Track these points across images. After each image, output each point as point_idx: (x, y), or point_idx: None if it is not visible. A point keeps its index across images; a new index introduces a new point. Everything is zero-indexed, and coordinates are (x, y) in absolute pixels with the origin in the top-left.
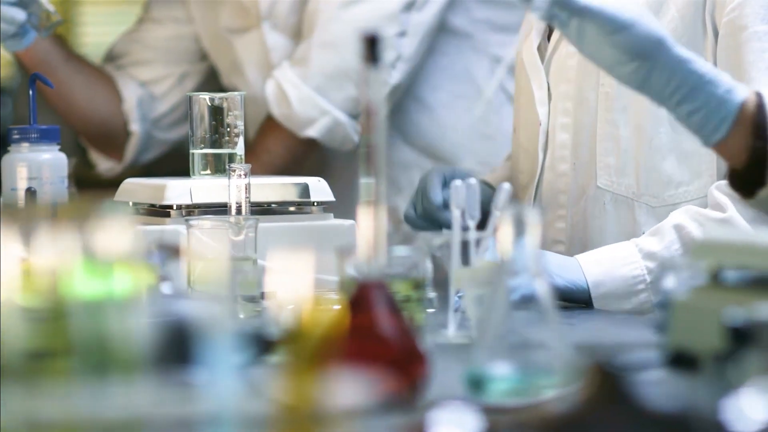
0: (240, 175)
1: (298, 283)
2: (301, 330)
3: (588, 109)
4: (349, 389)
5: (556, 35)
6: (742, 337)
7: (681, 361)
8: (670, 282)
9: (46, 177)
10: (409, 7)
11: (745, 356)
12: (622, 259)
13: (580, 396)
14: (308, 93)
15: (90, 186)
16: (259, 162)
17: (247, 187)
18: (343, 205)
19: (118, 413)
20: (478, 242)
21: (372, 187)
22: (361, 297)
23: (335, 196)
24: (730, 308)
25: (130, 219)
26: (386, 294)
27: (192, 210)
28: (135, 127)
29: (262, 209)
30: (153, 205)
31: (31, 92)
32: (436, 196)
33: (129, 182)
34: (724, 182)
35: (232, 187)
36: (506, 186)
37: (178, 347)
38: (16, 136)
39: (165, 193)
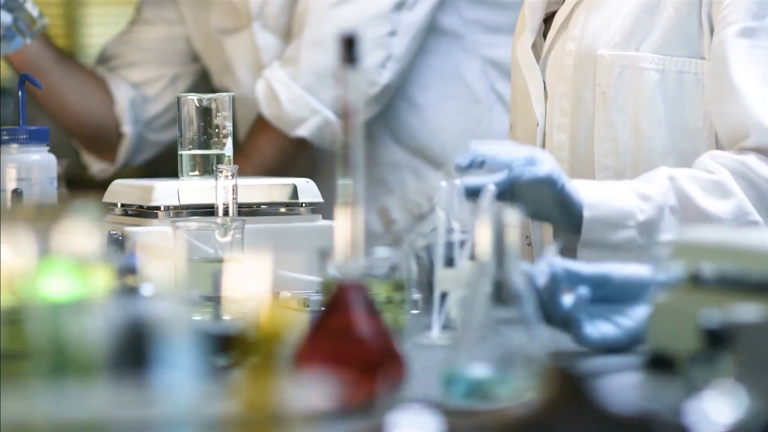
0: (227, 176)
1: (257, 284)
2: (259, 331)
3: (585, 110)
4: (308, 391)
5: (552, 33)
6: (717, 339)
7: (659, 363)
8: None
9: (35, 178)
10: (399, 7)
11: (721, 358)
12: (619, 193)
13: (542, 399)
14: (298, 92)
15: (84, 187)
16: (250, 162)
17: (235, 188)
18: (333, 203)
19: (76, 416)
20: (462, 243)
21: (349, 188)
22: (338, 298)
23: (326, 196)
24: (705, 310)
25: (95, 220)
26: (364, 295)
27: (180, 211)
28: (127, 128)
29: (250, 210)
30: (141, 207)
31: (20, 93)
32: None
33: (117, 183)
34: (717, 152)
35: (219, 188)
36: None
37: (139, 349)
38: (5, 137)
39: (152, 194)
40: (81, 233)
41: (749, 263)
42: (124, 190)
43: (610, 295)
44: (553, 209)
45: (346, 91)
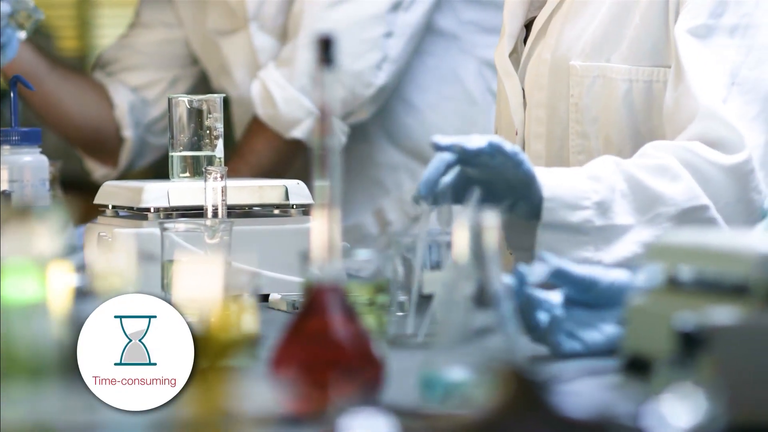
0: (216, 178)
1: (207, 287)
2: (208, 334)
3: (559, 120)
4: (261, 395)
5: (530, 40)
6: (692, 342)
7: (635, 366)
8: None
9: (27, 179)
10: (395, 8)
11: (695, 362)
12: (571, 174)
13: (497, 403)
14: (294, 94)
15: (82, 189)
16: (246, 163)
17: (224, 190)
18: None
19: (21, 419)
20: (448, 245)
21: (326, 190)
22: (314, 301)
23: None
24: (680, 313)
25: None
26: (340, 298)
27: (170, 213)
28: (128, 133)
29: (242, 212)
30: (131, 208)
31: (12, 95)
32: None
33: (108, 185)
34: (660, 141)
35: (208, 190)
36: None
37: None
38: None
39: (142, 195)
40: (42, 235)
41: (726, 265)
42: (115, 192)
43: (596, 299)
44: (510, 193)
45: (323, 93)
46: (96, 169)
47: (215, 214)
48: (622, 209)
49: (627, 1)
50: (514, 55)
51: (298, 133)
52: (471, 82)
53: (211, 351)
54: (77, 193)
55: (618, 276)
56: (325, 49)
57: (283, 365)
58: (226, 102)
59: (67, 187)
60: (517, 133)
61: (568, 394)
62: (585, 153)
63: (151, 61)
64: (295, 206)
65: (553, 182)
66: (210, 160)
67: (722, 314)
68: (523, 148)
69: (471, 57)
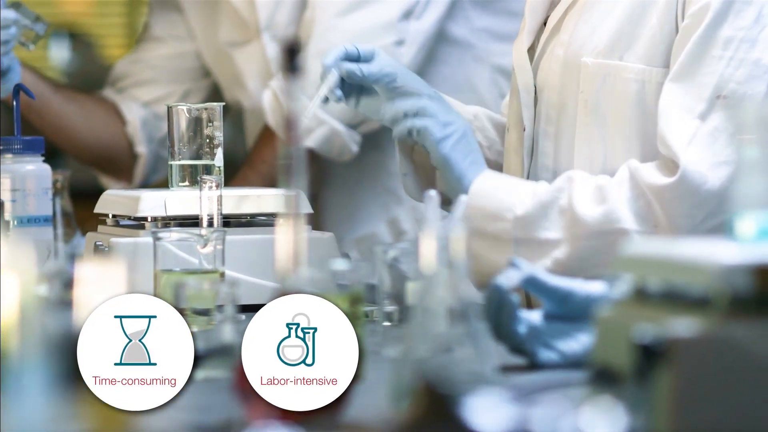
0: (211, 187)
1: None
2: None
3: (569, 118)
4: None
5: (544, 36)
6: (651, 354)
7: (602, 378)
8: None
9: (29, 188)
10: (407, 16)
11: (654, 374)
12: (510, 186)
13: (405, 416)
14: (304, 103)
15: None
16: (257, 173)
17: (219, 199)
18: (343, 214)
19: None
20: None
21: (292, 200)
22: None
23: (332, 206)
24: (639, 325)
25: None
26: None
27: (168, 222)
28: (141, 149)
29: (245, 221)
30: (129, 217)
31: (14, 103)
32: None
33: (108, 194)
34: (640, 165)
35: (204, 199)
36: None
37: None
38: (0, 147)
39: (139, 205)
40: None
41: (690, 276)
42: (113, 201)
43: (573, 311)
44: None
45: (290, 101)
46: (112, 185)
47: (210, 224)
48: (554, 224)
49: (644, 1)
50: (531, 51)
51: (309, 142)
52: (485, 89)
53: None
54: (88, 203)
55: (595, 288)
56: (291, 57)
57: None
58: (239, 113)
59: (77, 196)
60: (525, 129)
61: (483, 408)
62: (591, 152)
63: (162, 75)
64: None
65: (481, 190)
66: (209, 169)
67: (682, 326)
68: (532, 145)
69: (485, 65)
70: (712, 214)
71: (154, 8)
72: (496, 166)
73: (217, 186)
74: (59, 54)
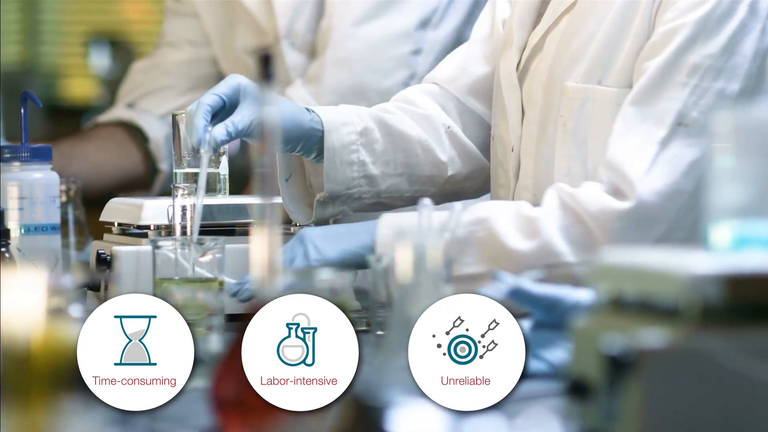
0: (184, 195)
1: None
2: (27, 356)
3: (548, 140)
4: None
5: (526, 53)
6: (619, 365)
7: (577, 389)
8: None
9: (37, 196)
10: (424, 25)
11: (623, 386)
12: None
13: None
14: None
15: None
16: None
17: (192, 207)
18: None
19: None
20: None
21: (265, 209)
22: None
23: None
24: (608, 336)
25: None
26: None
27: (171, 230)
28: (164, 165)
29: (245, 229)
30: (133, 226)
31: (22, 111)
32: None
33: (113, 202)
34: (573, 190)
35: (176, 207)
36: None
37: None
38: (7, 155)
39: (142, 213)
40: None
41: (662, 286)
42: (118, 209)
43: (562, 319)
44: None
45: (263, 110)
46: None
47: (183, 232)
48: (471, 259)
49: (621, 24)
50: (519, 68)
51: None
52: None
53: (31, 373)
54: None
55: (583, 296)
56: (265, 65)
57: (222, 382)
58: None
59: (91, 204)
60: (513, 150)
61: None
62: (570, 176)
63: (178, 82)
64: (297, 225)
65: (393, 220)
66: (214, 177)
67: (650, 337)
68: (518, 166)
69: None
70: (658, 241)
71: (169, 14)
72: (383, 176)
73: (190, 194)
74: (100, 62)
